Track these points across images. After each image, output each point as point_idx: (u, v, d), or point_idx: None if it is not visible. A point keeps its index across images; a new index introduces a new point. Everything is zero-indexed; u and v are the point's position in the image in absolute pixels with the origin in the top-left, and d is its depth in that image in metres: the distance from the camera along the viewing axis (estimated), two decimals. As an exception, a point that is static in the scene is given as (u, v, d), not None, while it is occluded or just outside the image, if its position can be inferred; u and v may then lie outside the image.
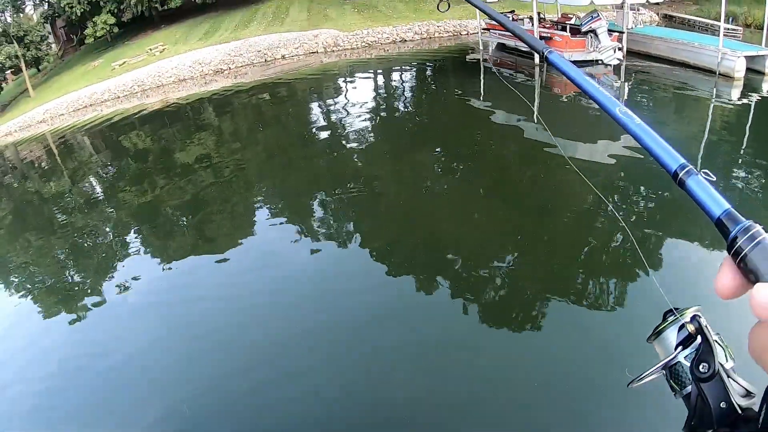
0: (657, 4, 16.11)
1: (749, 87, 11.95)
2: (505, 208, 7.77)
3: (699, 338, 0.53)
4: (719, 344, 0.54)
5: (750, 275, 0.45)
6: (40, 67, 36.84)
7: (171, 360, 5.37)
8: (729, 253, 0.48)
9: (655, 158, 0.59)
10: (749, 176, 7.60)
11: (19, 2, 32.75)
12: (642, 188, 7.43)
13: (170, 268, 7.60)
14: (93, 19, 31.45)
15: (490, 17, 1.06)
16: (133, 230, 9.49)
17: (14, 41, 30.25)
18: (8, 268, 9.11)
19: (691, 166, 0.55)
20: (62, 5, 31.05)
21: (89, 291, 7.63)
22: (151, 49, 28.29)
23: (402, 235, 7.33)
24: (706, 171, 0.55)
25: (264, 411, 4.48)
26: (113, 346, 5.81)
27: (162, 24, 32.58)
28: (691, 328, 0.54)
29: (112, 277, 7.75)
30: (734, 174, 7.67)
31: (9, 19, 31.17)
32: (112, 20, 31.55)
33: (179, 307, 6.41)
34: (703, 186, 0.53)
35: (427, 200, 8.37)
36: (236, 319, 5.82)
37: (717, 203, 0.51)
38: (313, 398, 4.45)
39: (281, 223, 8.49)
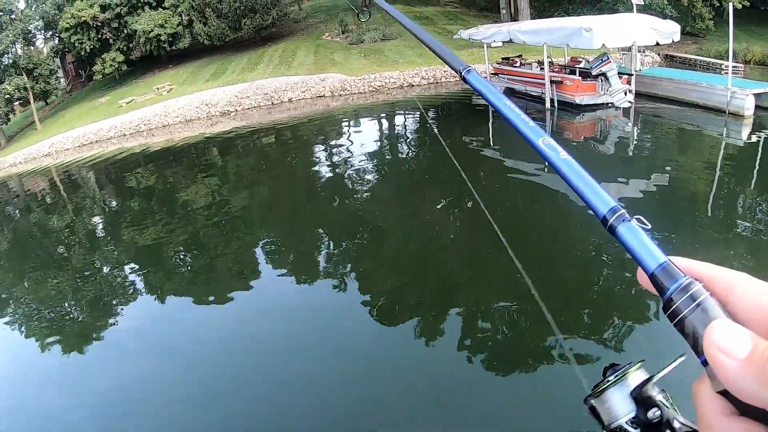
0: (661, 45, 16.33)
1: (759, 125, 11.99)
2: (510, 256, 7.63)
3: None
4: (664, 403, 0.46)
5: (688, 339, 0.41)
6: (48, 101, 37.25)
7: (161, 400, 5.23)
8: (665, 313, 0.42)
9: (583, 199, 0.52)
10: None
11: (30, 35, 33.24)
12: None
13: (164, 310, 7.43)
14: (102, 56, 31.97)
15: (411, 32, 0.98)
16: (130, 269, 9.26)
17: (23, 73, 30.59)
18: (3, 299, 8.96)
19: (623, 211, 0.48)
20: (72, 41, 31.58)
21: (81, 327, 7.45)
22: (158, 88, 28.62)
23: (406, 281, 7.17)
24: (640, 217, 0.48)
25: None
26: (109, 384, 5.65)
27: (170, 64, 33.13)
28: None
29: (107, 315, 7.53)
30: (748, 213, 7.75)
31: (20, 51, 31.58)
32: (120, 58, 32.07)
33: (172, 348, 6.28)
34: (636, 234, 0.47)
35: (432, 246, 8.19)
36: (234, 362, 5.68)
37: (652, 255, 0.45)
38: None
39: (282, 266, 8.31)
